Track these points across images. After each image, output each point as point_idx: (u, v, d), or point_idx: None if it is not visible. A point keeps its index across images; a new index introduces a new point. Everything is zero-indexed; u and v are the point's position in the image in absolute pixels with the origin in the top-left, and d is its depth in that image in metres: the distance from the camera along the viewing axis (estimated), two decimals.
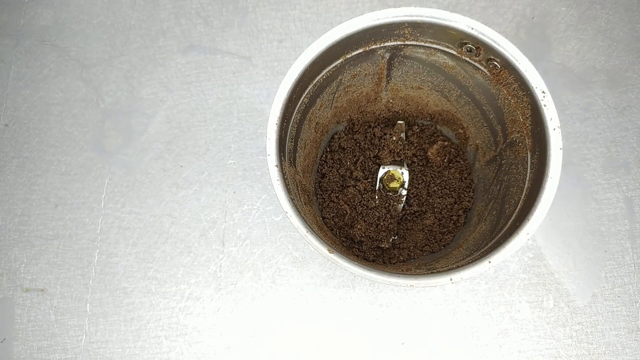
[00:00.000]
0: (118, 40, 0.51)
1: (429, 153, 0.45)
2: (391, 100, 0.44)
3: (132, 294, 0.45)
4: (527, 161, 0.34)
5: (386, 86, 0.42)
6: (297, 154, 0.39)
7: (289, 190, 0.33)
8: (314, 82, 0.37)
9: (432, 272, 0.32)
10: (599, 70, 0.49)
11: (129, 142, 0.49)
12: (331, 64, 0.37)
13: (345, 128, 0.46)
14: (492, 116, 0.39)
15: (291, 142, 0.37)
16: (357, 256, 0.42)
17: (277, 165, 0.33)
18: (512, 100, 0.35)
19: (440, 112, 0.44)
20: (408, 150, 0.45)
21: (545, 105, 0.32)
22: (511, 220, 0.34)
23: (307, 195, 0.41)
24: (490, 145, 0.41)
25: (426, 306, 0.44)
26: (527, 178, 0.34)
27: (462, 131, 0.44)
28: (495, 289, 0.44)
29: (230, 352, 0.44)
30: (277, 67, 0.50)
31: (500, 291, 0.44)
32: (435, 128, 0.46)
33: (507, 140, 0.37)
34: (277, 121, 0.33)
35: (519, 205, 0.34)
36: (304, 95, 0.37)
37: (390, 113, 0.45)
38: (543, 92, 0.32)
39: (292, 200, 0.33)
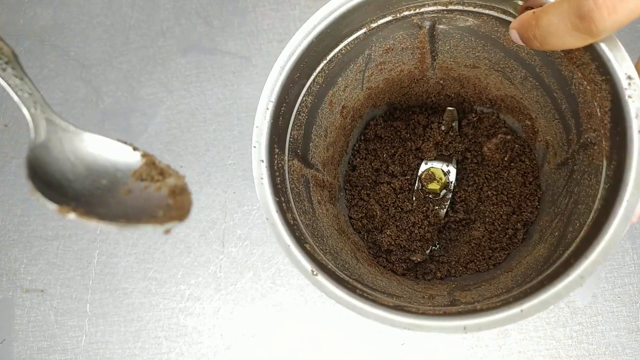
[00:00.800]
0: (118, 40, 0.51)
1: (486, 148, 0.37)
2: (441, 81, 0.36)
3: (132, 295, 0.45)
4: (601, 172, 0.26)
5: (432, 63, 0.34)
6: (311, 144, 0.33)
7: (278, 192, 0.27)
8: (329, 57, 0.30)
9: (440, 314, 0.25)
10: None
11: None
12: (350, 35, 0.29)
13: (385, 113, 0.39)
14: (564, 106, 0.30)
15: (299, 129, 0.31)
16: (385, 267, 0.36)
17: (263, 160, 0.27)
18: (588, 87, 0.26)
19: (504, 97, 0.36)
20: (459, 143, 0.37)
21: (630, 97, 0.23)
22: (569, 251, 0.26)
23: (329, 192, 0.35)
24: (563, 144, 0.32)
25: None
26: (599, 196, 0.25)
27: (529, 123, 0.35)
28: None
29: (230, 352, 0.44)
30: None
31: None
32: (498, 117, 0.37)
33: (581, 140, 0.29)
34: (270, 105, 0.27)
35: (582, 232, 0.25)
36: (315, 73, 0.30)
37: (441, 97, 0.38)
38: (629, 77, 0.23)
39: (282, 205, 0.27)
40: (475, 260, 0.36)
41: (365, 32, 0.30)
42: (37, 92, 0.20)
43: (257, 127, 0.27)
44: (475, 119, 0.38)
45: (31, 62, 0.51)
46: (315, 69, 0.30)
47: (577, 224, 0.27)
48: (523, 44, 0.25)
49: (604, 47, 0.24)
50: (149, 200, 0.19)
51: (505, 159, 0.37)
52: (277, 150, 0.28)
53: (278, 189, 0.27)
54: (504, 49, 0.31)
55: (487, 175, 0.37)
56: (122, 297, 0.45)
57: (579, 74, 0.27)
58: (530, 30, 0.23)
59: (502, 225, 0.36)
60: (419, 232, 0.36)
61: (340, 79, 0.33)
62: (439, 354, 0.43)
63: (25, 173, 0.17)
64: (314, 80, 0.31)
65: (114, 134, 0.49)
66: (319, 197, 0.33)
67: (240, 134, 0.48)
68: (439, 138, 0.37)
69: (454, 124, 0.38)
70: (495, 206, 0.36)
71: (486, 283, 0.32)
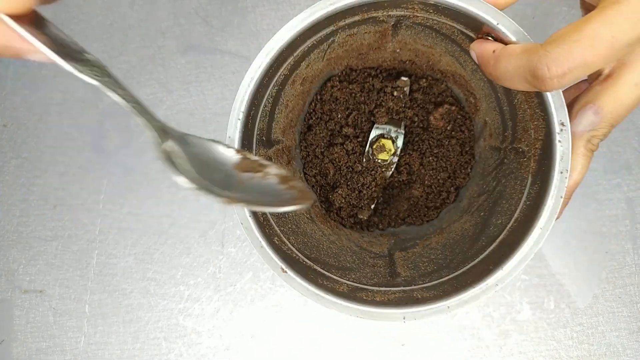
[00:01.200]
0: (117, 40, 0.51)
1: (432, 117, 0.40)
2: (398, 50, 0.38)
3: (131, 295, 0.45)
4: (525, 185, 0.30)
5: (392, 39, 0.36)
6: (274, 123, 0.35)
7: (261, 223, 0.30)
8: (295, 54, 0.32)
9: (384, 304, 0.29)
10: None
11: (128, 143, 0.49)
12: (318, 33, 0.31)
13: (341, 74, 0.40)
14: (505, 108, 0.33)
15: (264, 119, 0.33)
16: (335, 221, 0.40)
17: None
18: (528, 110, 0.29)
19: (454, 73, 0.38)
20: (409, 109, 0.40)
21: (559, 141, 0.26)
22: (489, 250, 0.30)
23: (287, 155, 0.37)
24: (499, 134, 0.36)
25: None
26: (520, 208, 0.30)
27: (473, 100, 0.39)
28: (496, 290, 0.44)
29: (229, 353, 0.43)
30: None
31: (500, 292, 0.44)
32: (446, 86, 0.40)
33: (514, 145, 0.33)
34: (240, 116, 0.29)
35: (501, 235, 0.30)
36: (281, 69, 0.32)
37: (396, 62, 0.40)
38: (562, 124, 0.26)
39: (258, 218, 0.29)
40: (412, 216, 0.40)
41: (332, 29, 0.32)
42: (139, 101, 0.20)
43: (229, 137, 0.30)
44: (425, 84, 0.40)
45: (30, 62, 0.51)
46: (282, 66, 0.32)
47: (499, 222, 0.31)
48: (481, 68, 0.27)
49: (547, 95, 0.27)
50: (266, 187, 0.21)
51: (448, 128, 0.40)
52: (246, 149, 0.31)
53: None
54: (460, 46, 0.33)
55: (430, 142, 0.41)
56: (121, 298, 0.45)
57: (523, 97, 0.30)
58: (487, 68, 0.26)
59: (437, 188, 0.40)
60: (367, 193, 0.40)
61: (303, 62, 0.35)
62: (439, 354, 0.43)
63: (172, 172, 0.18)
64: (280, 74, 0.33)
65: (113, 134, 0.49)
66: (284, 160, 0.36)
67: None
68: (391, 103, 0.40)
69: (406, 90, 0.40)
70: (434, 171, 0.40)
71: (420, 242, 0.36)
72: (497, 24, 0.26)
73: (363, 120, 0.41)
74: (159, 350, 0.44)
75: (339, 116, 0.41)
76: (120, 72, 0.50)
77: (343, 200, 0.39)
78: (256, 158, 0.23)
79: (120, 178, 0.48)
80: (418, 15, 0.31)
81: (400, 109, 0.40)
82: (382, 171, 0.40)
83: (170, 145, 0.20)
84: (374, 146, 0.40)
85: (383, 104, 0.40)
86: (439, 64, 0.39)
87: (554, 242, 0.45)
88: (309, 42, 0.32)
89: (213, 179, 0.21)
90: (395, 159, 0.40)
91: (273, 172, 0.22)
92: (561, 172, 0.26)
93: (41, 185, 0.48)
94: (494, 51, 0.25)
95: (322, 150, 0.41)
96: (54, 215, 0.47)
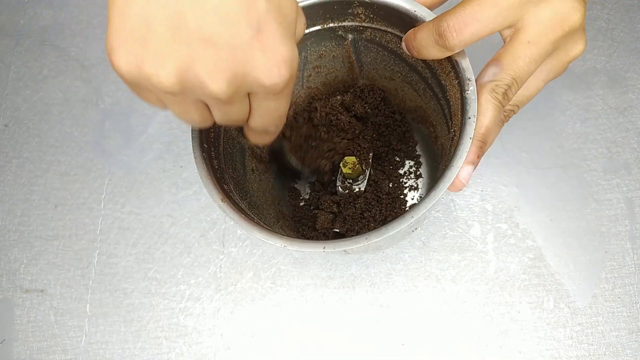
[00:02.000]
0: None
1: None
2: (368, 90, 0.43)
3: (132, 295, 0.45)
4: (452, 153, 0.34)
5: (360, 73, 0.41)
6: None
7: (211, 143, 0.33)
8: None
9: (303, 240, 0.31)
10: (600, 70, 0.48)
11: (129, 143, 0.49)
12: None
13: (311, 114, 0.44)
14: (446, 110, 0.38)
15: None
16: (304, 236, 0.42)
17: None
18: (452, 91, 0.34)
19: (416, 108, 0.43)
20: (372, 168, 0.44)
21: (467, 92, 0.30)
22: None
23: (265, 166, 0.41)
24: (450, 144, 0.40)
25: (426, 307, 0.44)
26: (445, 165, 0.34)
27: (432, 129, 0.43)
28: (496, 290, 0.44)
29: (230, 352, 0.44)
30: None
31: (500, 292, 0.44)
32: (408, 132, 0.45)
33: (450, 136, 0.36)
34: None
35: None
36: None
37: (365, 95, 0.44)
38: (469, 79, 0.30)
39: (212, 152, 0.33)
40: (367, 226, 0.42)
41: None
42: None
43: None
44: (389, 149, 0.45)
45: (31, 62, 0.51)
46: None
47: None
48: (409, 54, 0.33)
49: (456, 58, 0.31)
50: None
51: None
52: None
53: (210, 142, 0.33)
54: (407, 64, 0.38)
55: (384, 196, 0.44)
56: (122, 297, 0.45)
57: (448, 81, 0.34)
58: (410, 42, 0.32)
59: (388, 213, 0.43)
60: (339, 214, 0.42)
61: None
62: (439, 353, 0.43)
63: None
64: None
65: (114, 134, 0.49)
66: (254, 166, 0.39)
67: None
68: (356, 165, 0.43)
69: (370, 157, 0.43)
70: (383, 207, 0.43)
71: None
72: (415, 11, 0.32)
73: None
74: (159, 349, 0.44)
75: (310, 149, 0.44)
76: None
77: (322, 226, 0.41)
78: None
79: (121, 178, 0.48)
80: (366, 25, 0.36)
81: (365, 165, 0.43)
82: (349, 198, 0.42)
83: None
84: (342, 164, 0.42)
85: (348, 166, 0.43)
86: (403, 101, 0.43)
87: (554, 242, 0.45)
88: None
89: None
90: (361, 188, 0.43)
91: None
92: (469, 118, 0.30)
93: (42, 184, 0.48)
94: (413, 30, 0.31)
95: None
96: (55, 214, 0.47)
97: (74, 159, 0.49)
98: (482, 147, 0.30)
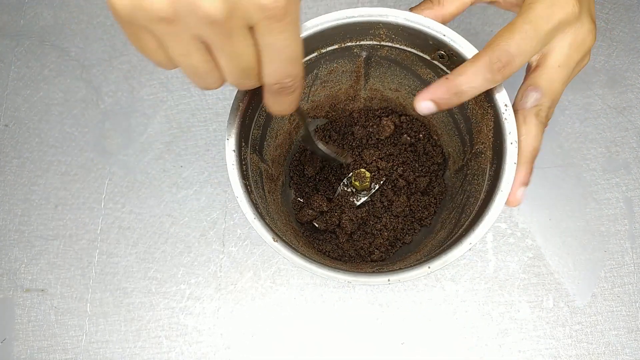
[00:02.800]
0: (118, 40, 0.51)
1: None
2: (369, 101, 0.44)
3: (133, 294, 0.45)
4: (486, 172, 0.35)
5: (365, 85, 0.42)
6: (265, 143, 0.39)
7: (245, 176, 0.33)
8: None
9: (374, 272, 0.32)
10: (599, 70, 0.49)
11: (129, 143, 0.49)
12: (305, 56, 0.36)
13: (324, 126, 0.46)
14: (462, 125, 0.39)
15: (258, 129, 0.37)
16: (320, 251, 0.43)
17: (234, 150, 0.32)
18: (478, 111, 0.35)
19: (418, 117, 0.44)
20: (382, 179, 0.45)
21: (505, 119, 0.31)
22: (462, 229, 0.34)
23: (275, 184, 0.41)
24: (460, 154, 0.41)
25: (426, 306, 0.44)
26: (484, 189, 0.34)
27: (436, 137, 0.44)
28: (495, 289, 0.44)
29: (230, 352, 0.44)
30: None
31: (500, 291, 0.44)
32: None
33: (473, 151, 0.37)
34: (239, 106, 0.33)
35: (471, 216, 0.34)
36: None
37: (365, 109, 0.46)
38: (505, 105, 0.31)
39: (247, 187, 0.33)
40: (391, 244, 0.44)
41: (316, 55, 0.36)
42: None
43: (229, 123, 0.33)
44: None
45: (31, 62, 0.52)
46: None
47: (469, 211, 0.35)
48: (430, 112, 0.31)
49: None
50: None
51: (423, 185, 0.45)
52: (243, 144, 0.34)
53: (244, 174, 0.33)
54: (420, 79, 0.39)
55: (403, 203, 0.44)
56: (122, 297, 0.45)
57: (472, 101, 0.35)
58: (450, 97, 0.30)
59: (406, 226, 0.44)
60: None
61: None
62: (438, 353, 0.43)
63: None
64: None
65: (115, 134, 0.49)
66: (269, 187, 0.40)
67: None
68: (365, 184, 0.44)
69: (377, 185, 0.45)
70: (403, 218, 0.45)
71: (399, 262, 0.39)
72: (444, 35, 0.32)
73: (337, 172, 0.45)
74: (160, 348, 0.44)
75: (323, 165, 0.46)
76: (121, 72, 0.51)
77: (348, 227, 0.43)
78: None
79: (122, 178, 0.48)
80: (384, 44, 0.36)
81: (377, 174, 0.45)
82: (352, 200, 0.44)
83: None
84: (353, 177, 0.43)
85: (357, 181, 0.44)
86: (405, 110, 0.44)
87: (553, 242, 0.45)
88: None
89: None
90: (363, 199, 0.44)
91: None
92: (511, 143, 0.31)
93: (43, 184, 0.48)
94: (447, 79, 0.30)
95: (311, 190, 0.45)
96: (56, 214, 0.47)
97: (74, 159, 0.49)
98: (532, 167, 0.31)
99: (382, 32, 0.35)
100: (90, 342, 0.44)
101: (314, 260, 0.31)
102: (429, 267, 0.31)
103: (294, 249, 0.32)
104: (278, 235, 0.32)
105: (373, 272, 0.32)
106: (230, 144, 0.32)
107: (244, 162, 0.34)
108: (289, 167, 0.45)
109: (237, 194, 0.32)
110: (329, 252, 0.43)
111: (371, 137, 0.45)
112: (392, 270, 0.31)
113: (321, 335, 0.44)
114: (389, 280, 0.30)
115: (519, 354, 0.43)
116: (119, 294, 0.45)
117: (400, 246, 0.44)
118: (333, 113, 0.45)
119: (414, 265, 0.32)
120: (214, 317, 0.44)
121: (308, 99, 0.41)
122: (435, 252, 0.34)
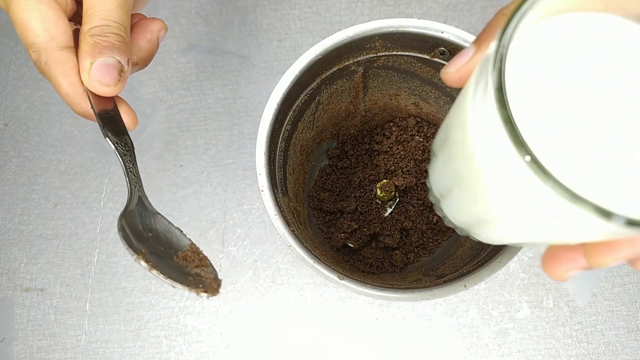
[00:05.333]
0: None
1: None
2: (368, 112, 0.44)
3: (132, 294, 0.45)
4: None
5: (364, 97, 0.42)
6: (287, 181, 0.39)
7: (287, 222, 0.33)
8: (294, 107, 0.37)
9: (412, 288, 0.32)
10: None
11: None
12: (308, 86, 0.37)
13: (337, 155, 0.46)
14: None
15: (280, 170, 0.37)
16: (364, 272, 0.42)
17: (270, 200, 0.33)
18: None
19: (420, 113, 0.44)
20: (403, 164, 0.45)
21: None
22: (489, 249, 0.34)
23: (303, 218, 0.42)
24: None
25: (426, 306, 0.44)
26: None
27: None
28: (495, 289, 0.44)
29: (230, 351, 0.44)
30: (276, 66, 0.50)
31: (499, 291, 0.44)
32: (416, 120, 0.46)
33: None
34: (264, 153, 0.34)
35: None
36: (285, 122, 0.37)
37: (365, 121, 0.45)
38: None
39: (293, 232, 0.33)
40: (424, 248, 0.44)
41: (318, 82, 0.37)
42: (139, 176, 0.28)
43: (260, 174, 0.33)
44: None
45: (31, 61, 0.51)
46: (286, 117, 0.37)
47: None
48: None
49: None
50: (189, 274, 0.26)
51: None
52: (275, 190, 0.34)
53: (286, 221, 0.33)
54: (420, 78, 0.39)
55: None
56: (121, 296, 0.45)
57: None
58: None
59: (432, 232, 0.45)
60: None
61: (300, 122, 0.40)
62: (439, 353, 0.43)
63: (117, 226, 0.24)
64: (285, 128, 0.38)
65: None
66: (301, 223, 0.40)
67: (240, 133, 0.48)
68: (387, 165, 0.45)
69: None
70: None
71: (440, 266, 0.39)
72: (442, 33, 0.32)
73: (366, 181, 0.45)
74: (159, 348, 0.44)
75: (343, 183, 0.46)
76: None
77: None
78: (203, 255, 0.28)
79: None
80: (380, 55, 0.36)
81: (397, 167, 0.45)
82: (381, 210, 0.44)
83: (133, 210, 0.26)
84: (379, 185, 0.44)
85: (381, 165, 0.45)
86: (406, 108, 0.44)
87: None
88: (302, 97, 0.37)
89: (156, 249, 0.26)
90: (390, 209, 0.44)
91: (207, 275, 0.27)
92: None
93: (42, 184, 0.48)
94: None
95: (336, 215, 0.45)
96: (55, 214, 0.47)
97: (73, 158, 0.49)
98: None
99: (377, 44, 0.36)
100: (89, 342, 0.44)
101: (386, 288, 0.31)
102: (465, 286, 0.31)
103: (360, 281, 0.32)
104: (342, 273, 0.32)
105: (413, 288, 0.32)
106: (266, 195, 0.33)
107: (281, 209, 0.34)
108: (307, 198, 0.46)
109: (290, 243, 0.32)
110: (368, 269, 0.43)
111: (382, 144, 0.45)
112: (429, 286, 0.32)
113: (321, 335, 0.44)
114: (465, 285, 0.31)
115: (518, 353, 0.43)
116: (118, 294, 0.45)
117: (424, 254, 0.44)
118: (337, 132, 0.45)
119: (449, 279, 0.32)
120: (214, 316, 0.44)
121: (313, 126, 0.42)
122: (468, 265, 0.34)
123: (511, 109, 0.14)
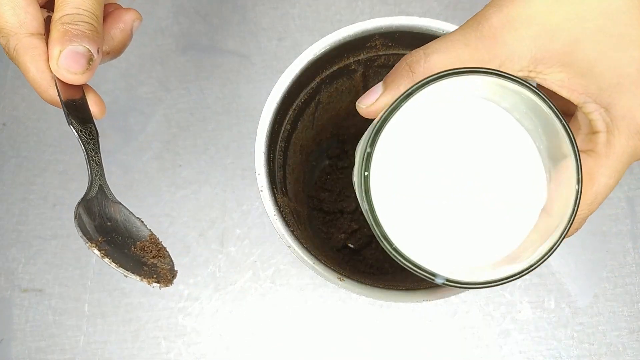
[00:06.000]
0: None
1: None
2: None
3: (131, 295, 0.45)
4: None
5: None
6: (287, 181, 0.39)
7: (287, 223, 0.33)
8: (293, 106, 0.37)
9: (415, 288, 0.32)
10: None
11: (127, 142, 0.49)
12: (307, 86, 0.37)
13: (331, 152, 0.46)
14: None
15: (280, 170, 0.37)
16: (364, 273, 0.42)
17: (269, 199, 0.32)
18: None
19: None
20: None
21: None
22: None
23: (303, 219, 0.41)
24: None
25: (426, 307, 0.44)
26: None
27: None
28: (496, 290, 0.44)
29: (229, 352, 0.43)
30: (276, 65, 0.50)
31: (501, 291, 0.44)
32: None
33: None
34: (263, 153, 0.33)
35: None
36: (285, 121, 0.37)
37: (366, 121, 0.45)
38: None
39: (293, 232, 0.32)
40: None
41: (317, 82, 0.37)
42: (102, 165, 0.28)
43: (259, 174, 0.33)
44: None
45: None
46: (285, 117, 0.37)
47: None
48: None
49: None
50: (145, 264, 0.27)
51: None
52: (275, 190, 0.34)
53: (286, 221, 0.33)
54: None
55: None
56: (120, 297, 0.45)
57: None
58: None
59: None
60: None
61: (299, 122, 0.39)
62: (439, 353, 0.43)
63: (74, 213, 0.25)
64: (284, 127, 0.37)
65: (112, 133, 0.49)
66: (301, 223, 0.39)
67: (239, 133, 0.48)
68: None
69: None
70: None
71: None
72: (444, 31, 0.32)
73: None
74: (158, 349, 0.44)
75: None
76: (119, 70, 0.50)
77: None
78: (162, 246, 0.29)
79: (120, 177, 0.48)
80: (381, 53, 0.36)
81: None
82: None
83: (93, 198, 0.27)
84: None
85: None
86: None
87: None
88: (301, 96, 0.37)
89: (113, 238, 0.26)
90: None
91: (163, 266, 0.28)
92: None
93: (41, 184, 0.48)
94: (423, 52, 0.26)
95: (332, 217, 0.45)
96: (54, 214, 0.47)
97: (72, 158, 0.48)
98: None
99: (378, 43, 0.35)
100: (88, 343, 0.44)
101: (386, 289, 0.31)
102: (475, 286, 0.30)
103: (361, 282, 0.31)
104: (342, 274, 0.32)
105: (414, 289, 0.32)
106: (265, 195, 0.32)
107: (281, 209, 0.33)
108: (307, 198, 0.45)
109: (289, 243, 0.32)
110: (369, 270, 0.43)
111: None
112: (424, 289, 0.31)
113: (321, 335, 0.43)
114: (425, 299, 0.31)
115: (520, 354, 0.42)
116: (117, 294, 0.45)
117: None
118: (337, 132, 0.45)
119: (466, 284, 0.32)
120: (213, 317, 0.44)
121: (313, 126, 0.42)
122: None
123: (373, 201, 0.21)
